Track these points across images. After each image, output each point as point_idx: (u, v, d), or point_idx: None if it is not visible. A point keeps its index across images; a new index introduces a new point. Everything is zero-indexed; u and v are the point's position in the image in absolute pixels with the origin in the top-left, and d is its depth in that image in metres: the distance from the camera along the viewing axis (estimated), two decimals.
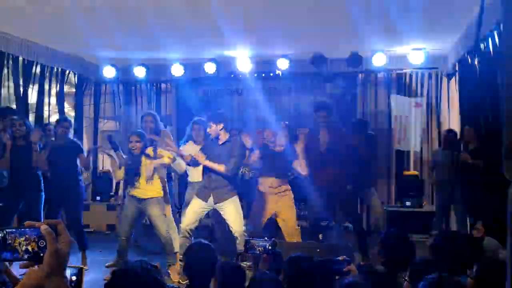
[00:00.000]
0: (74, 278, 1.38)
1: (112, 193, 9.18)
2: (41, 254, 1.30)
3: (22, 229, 1.32)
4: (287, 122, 6.51)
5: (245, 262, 5.05)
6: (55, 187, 6.25)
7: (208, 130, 5.70)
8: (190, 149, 6.22)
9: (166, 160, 5.78)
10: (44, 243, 1.29)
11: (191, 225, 5.61)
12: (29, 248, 1.31)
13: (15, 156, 5.97)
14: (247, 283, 3.49)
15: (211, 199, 5.62)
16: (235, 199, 5.66)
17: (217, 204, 5.62)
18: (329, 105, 6.27)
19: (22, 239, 1.31)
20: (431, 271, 2.28)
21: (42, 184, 6.20)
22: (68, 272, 1.41)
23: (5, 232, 1.30)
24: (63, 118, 6.77)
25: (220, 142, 5.66)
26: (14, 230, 1.32)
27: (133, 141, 5.77)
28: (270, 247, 3.29)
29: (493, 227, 4.50)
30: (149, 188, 5.77)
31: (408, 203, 8.19)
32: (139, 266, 2.38)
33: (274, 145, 6.09)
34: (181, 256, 4.70)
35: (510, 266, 1.35)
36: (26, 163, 5.95)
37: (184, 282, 5.15)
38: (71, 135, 6.55)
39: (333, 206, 6.30)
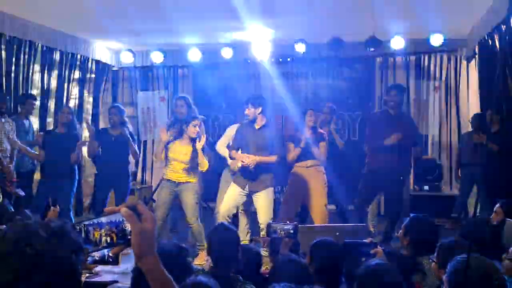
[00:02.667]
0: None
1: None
2: (129, 237, 1.29)
3: (100, 221, 1.31)
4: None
5: (263, 248, 5.04)
6: (105, 175, 6.56)
7: (246, 112, 5.63)
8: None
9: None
10: (128, 226, 1.29)
11: (229, 211, 5.62)
12: (108, 239, 1.31)
13: (51, 142, 6.27)
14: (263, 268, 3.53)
15: (247, 187, 5.63)
16: (270, 190, 5.65)
17: (252, 193, 5.64)
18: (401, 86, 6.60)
19: (103, 231, 1.30)
20: (459, 254, 2.27)
21: (76, 173, 6.44)
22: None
23: (84, 225, 1.30)
24: (113, 106, 6.95)
25: (257, 127, 5.61)
26: (92, 222, 1.31)
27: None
28: (292, 231, 3.30)
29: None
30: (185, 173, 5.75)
31: (426, 188, 8.16)
32: (168, 247, 2.42)
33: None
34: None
35: None
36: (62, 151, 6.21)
37: (203, 263, 5.20)
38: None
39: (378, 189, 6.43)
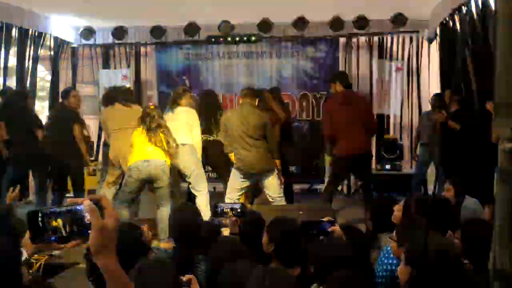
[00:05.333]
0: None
1: (92, 159, 9.09)
2: (88, 231, 1.22)
3: (61, 210, 1.23)
4: None
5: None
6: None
7: None
8: None
9: None
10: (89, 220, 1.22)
11: None
12: (75, 228, 1.23)
13: None
14: None
15: None
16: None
17: None
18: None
19: (61, 220, 1.22)
20: (417, 232, 2.32)
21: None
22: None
23: (42, 213, 1.21)
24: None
25: None
26: (51, 211, 1.23)
27: None
28: (239, 210, 3.30)
29: (469, 186, 4.59)
30: None
31: (387, 166, 8.31)
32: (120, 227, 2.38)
33: None
34: None
35: (498, 220, 1.39)
36: None
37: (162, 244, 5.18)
38: None
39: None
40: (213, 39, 8.74)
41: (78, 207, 1.24)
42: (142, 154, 5.41)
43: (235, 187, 5.77)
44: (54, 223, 1.22)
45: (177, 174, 6.05)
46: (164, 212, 5.37)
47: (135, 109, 6.03)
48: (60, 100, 7.22)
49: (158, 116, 5.53)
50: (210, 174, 8.12)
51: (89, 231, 1.22)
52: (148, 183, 5.53)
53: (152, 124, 5.44)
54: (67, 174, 6.91)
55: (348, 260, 2.34)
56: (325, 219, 3.03)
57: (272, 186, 5.76)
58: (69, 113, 6.75)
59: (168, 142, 5.44)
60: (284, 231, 2.79)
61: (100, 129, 9.39)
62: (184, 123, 5.95)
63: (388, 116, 8.92)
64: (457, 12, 6.63)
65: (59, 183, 6.98)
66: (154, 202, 5.69)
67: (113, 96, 6.22)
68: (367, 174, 6.31)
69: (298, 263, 2.68)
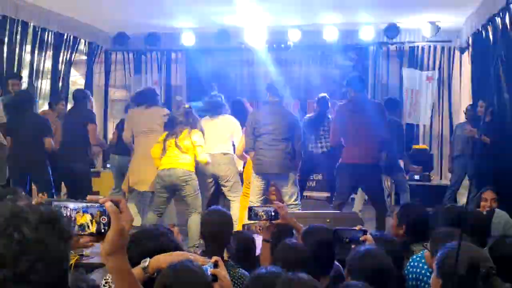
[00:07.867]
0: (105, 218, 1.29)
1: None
2: (102, 231, 1.27)
3: (87, 205, 1.28)
4: None
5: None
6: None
7: None
8: None
9: None
10: (106, 220, 1.27)
11: None
12: (99, 226, 1.28)
13: None
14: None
15: None
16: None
17: None
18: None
19: (89, 216, 1.27)
20: (450, 244, 2.30)
21: None
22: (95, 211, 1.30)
23: (69, 209, 1.27)
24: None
25: None
26: (76, 207, 1.28)
27: None
28: (273, 214, 3.28)
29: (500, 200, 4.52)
30: None
31: (416, 177, 8.22)
32: (152, 229, 2.43)
33: None
34: None
35: None
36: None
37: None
38: None
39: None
40: (243, 46, 8.82)
41: (101, 206, 1.28)
42: (167, 161, 5.38)
43: (255, 188, 5.71)
44: (82, 219, 1.27)
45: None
46: (192, 221, 5.36)
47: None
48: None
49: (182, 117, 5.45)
50: None
51: (102, 231, 1.27)
52: (175, 191, 5.49)
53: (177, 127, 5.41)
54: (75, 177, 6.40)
55: (387, 271, 2.33)
56: (357, 227, 3.03)
57: (287, 192, 5.71)
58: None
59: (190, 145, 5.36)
60: (319, 239, 2.80)
61: None
62: (224, 132, 5.99)
63: (418, 126, 8.83)
64: (490, 22, 6.55)
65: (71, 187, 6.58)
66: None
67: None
68: (374, 186, 5.74)
69: (329, 272, 2.68)
